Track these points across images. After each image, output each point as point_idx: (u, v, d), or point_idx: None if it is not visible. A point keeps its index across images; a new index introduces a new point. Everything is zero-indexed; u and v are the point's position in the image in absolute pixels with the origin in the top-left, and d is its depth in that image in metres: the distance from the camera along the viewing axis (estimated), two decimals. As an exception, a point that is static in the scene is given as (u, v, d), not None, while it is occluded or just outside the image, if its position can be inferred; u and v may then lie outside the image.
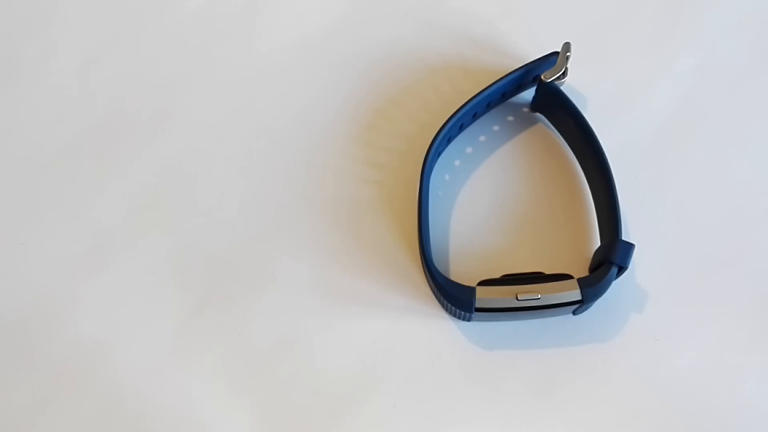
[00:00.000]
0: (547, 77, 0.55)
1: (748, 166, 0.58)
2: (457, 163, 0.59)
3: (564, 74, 0.56)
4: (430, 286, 0.55)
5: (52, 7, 0.63)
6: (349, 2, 0.62)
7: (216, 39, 0.62)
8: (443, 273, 0.54)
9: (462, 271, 0.56)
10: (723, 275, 0.56)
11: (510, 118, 0.60)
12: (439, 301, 0.55)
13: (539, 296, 0.51)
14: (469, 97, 0.56)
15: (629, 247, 0.53)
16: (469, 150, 0.59)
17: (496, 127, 0.59)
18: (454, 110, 0.55)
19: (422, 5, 0.62)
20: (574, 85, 0.59)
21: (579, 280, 0.52)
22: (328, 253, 0.57)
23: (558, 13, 0.62)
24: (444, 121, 0.55)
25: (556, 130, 0.59)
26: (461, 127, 0.58)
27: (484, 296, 0.52)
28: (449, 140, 0.58)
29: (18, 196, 0.59)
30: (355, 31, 0.62)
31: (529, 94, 0.59)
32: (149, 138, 0.60)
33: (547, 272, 0.53)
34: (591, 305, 0.53)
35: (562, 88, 0.57)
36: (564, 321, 0.55)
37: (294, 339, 0.56)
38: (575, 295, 0.52)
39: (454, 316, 0.55)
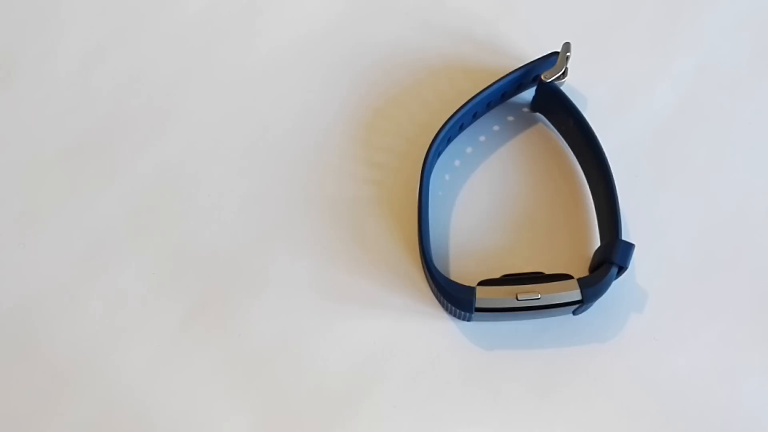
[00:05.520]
0: (547, 77, 0.55)
1: (748, 166, 0.58)
2: (457, 163, 0.59)
3: (564, 74, 0.56)
4: (430, 286, 0.55)
5: (52, 7, 0.63)
6: (349, 2, 0.62)
7: (216, 39, 0.62)
8: (443, 273, 0.54)
9: (462, 271, 0.56)
10: (723, 275, 0.56)
11: (510, 118, 0.60)
12: (439, 301, 0.55)
13: (539, 296, 0.51)
14: (469, 97, 0.56)
15: (629, 247, 0.53)
16: (469, 150, 0.59)
17: (496, 127, 0.59)
18: (454, 110, 0.55)
19: (422, 5, 0.62)
20: (574, 85, 0.59)
21: (579, 280, 0.52)
22: (328, 253, 0.57)
23: (558, 13, 0.62)
24: (444, 121, 0.55)
25: (556, 130, 0.59)
26: (461, 127, 0.58)
27: (484, 296, 0.52)
28: (449, 140, 0.58)
29: (18, 196, 0.59)
30: (355, 31, 0.62)
31: (529, 94, 0.59)
32: (149, 138, 0.60)
33: (547, 272, 0.53)
34: (591, 305, 0.53)
35: (562, 88, 0.57)
36: (564, 321, 0.55)
37: (294, 339, 0.56)
38: (575, 295, 0.52)
39: (454, 316, 0.55)
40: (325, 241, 0.57)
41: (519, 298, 0.51)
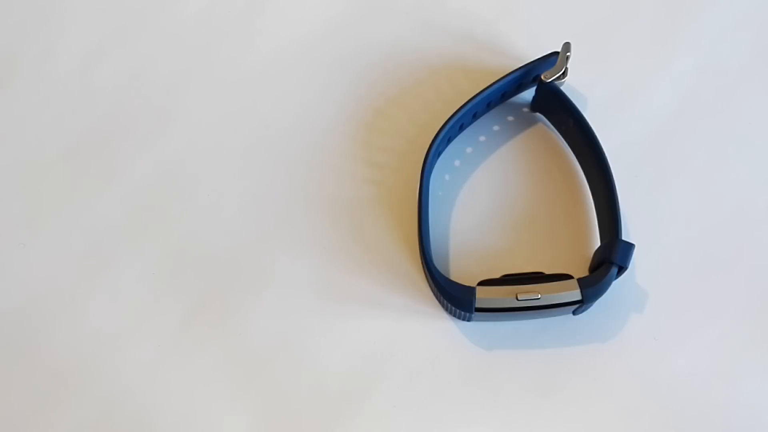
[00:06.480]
0: (547, 77, 0.55)
1: (748, 166, 0.58)
2: (457, 163, 0.59)
3: (564, 74, 0.56)
4: (430, 286, 0.55)
5: (52, 7, 0.63)
6: (349, 2, 0.62)
7: (216, 39, 0.62)
8: (443, 273, 0.54)
9: (462, 271, 0.56)
10: (723, 275, 0.56)
11: (510, 118, 0.60)
12: (439, 301, 0.55)
13: (539, 296, 0.51)
14: (469, 97, 0.56)
15: (629, 247, 0.53)
16: (469, 150, 0.59)
17: (496, 127, 0.59)
18: (454, 110, 0.55)
19: (422, 5, 0.62)
20: (574, 85, 0.59)
21: (579, 280, 0.52)
22: (328, 253, 0.57)
23: (558, 13, 0.62)
24: (444, 121, 0.55)
25: (556, 130, 0.59)
26: (461, 127, 0.58)
27: (484, 296, 0.52)
28: (449, 140, 0.58)
29: (18, 196, 0.59)
30: (355, 31, 0.62)
31: (529, 94, 0.59)
32: (149, 138, 0.60)
33: (547, 272, 0.53)
34: (591, 305, 0.53)
35: (562, 88, 0.57)
36: (564, 321, 0.55)
37: (294, 339, 0.56)
38: (575, 295, 0.52)
39: (454, 316, 0.55)
40: (325, 241, 0.57)
41: (519, 298, 0.51)
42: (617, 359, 0.55)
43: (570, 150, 0.58)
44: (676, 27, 0.61)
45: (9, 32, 0.63)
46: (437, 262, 0.55)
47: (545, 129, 0.59)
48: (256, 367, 0.55)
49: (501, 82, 0.56)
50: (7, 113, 0.61)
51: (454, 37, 0.61)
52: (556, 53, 0.56)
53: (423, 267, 0.55)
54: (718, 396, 0.54)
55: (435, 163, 0.57)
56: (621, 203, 0.54)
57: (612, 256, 0.52)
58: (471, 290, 0.52)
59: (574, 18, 0.62)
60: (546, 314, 0.53)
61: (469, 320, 0.54)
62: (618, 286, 0.54)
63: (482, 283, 0.53)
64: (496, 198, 0.58)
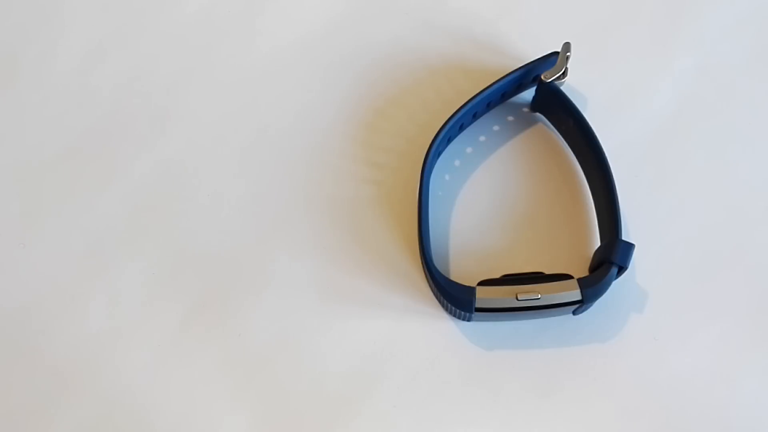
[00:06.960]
0: (547, 77, 0.55)
1: (748, 166, 0.58)
2: (457, 163, 0.59)
3: (564, 74, 0.56)
4: (430, 286, 0.55)
5: (53, 7, 0.63)
6: (349, 2, 0.62)
7: (216, 39, 0.62)
8: (443, 273, 0.54)
9: (462, 271, 0.56)
10: (723, 275, 0.56)
11: (510, 118, 0.60)
12: (439, 301, 0.55)
13: (539, 296, 0.51)
14: (469, 97, 0.56)
15: (629, 247, 0.53)
16: (469, 150, 0.59)
17: (496, 127, 0.59)
18: (454, 110, 0.55)
19: (422, 5, 0.62)
20: (574, 85, 0.59)
21: (579, 280, 0.52)
22: (328, 253, 0.57)
23: (558, 13, 0.62)
24: (444, 121, 0.55)
25: (556, 130, 0.59)
26: (461, 127, 0.58)
27: (484, 296, 0.52)
28: (449, 140, 0.58)
29: (18, 196, 0.59)
30: (355, 31, 0.62)
31: (529, 94, 0.59)
32: (149, 138, 0.60)
33: (547, 272, 0.53)
34: (591, 305, 0.53)
35: (562, 88, 0.57)
36: (564, 321, 0.55)
37: (294, 339, 0.56)
38: (575, 295, 0.52)
39: (454, 316, 0.55)
40: (325, 241, 0.57)
41: (519, 298, 0.51)
42: (617, 359, 0.55)
43: (570, 150, 0.58)
44: (676, 27, 0.61)
45: (9, 32, 0.63)
46: (437, 262, 0.55)
47: (545, 129, 0.59)
48: (256, 367, 0.55)
49: (501, 82, 0.56)
50: (7, 113, 0.61)
51: (454, 37, 0.61)
52: (556, 53, 0.56)
53: (423, 267, 0.55)
54: (718, 396, 0.54)
55: (435, 163, 0.57)
56: (621, 203, 0.54)
57: (612, 256, 0.52)
58: (471, 290, 0.52)
59: (574, 18, 0.62)
60: (546, 314, 0.53)
61: (469, 320, 0.54)
62: (618, 286, 0.54)
63: (482, 283, 0.53)
64: (496, 198, 0.58)
